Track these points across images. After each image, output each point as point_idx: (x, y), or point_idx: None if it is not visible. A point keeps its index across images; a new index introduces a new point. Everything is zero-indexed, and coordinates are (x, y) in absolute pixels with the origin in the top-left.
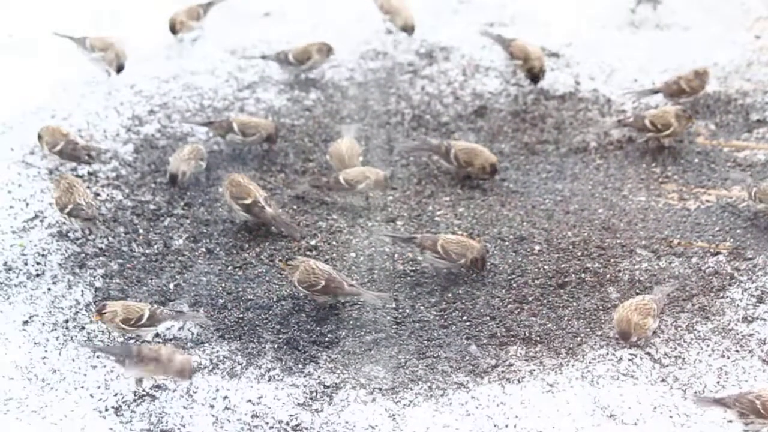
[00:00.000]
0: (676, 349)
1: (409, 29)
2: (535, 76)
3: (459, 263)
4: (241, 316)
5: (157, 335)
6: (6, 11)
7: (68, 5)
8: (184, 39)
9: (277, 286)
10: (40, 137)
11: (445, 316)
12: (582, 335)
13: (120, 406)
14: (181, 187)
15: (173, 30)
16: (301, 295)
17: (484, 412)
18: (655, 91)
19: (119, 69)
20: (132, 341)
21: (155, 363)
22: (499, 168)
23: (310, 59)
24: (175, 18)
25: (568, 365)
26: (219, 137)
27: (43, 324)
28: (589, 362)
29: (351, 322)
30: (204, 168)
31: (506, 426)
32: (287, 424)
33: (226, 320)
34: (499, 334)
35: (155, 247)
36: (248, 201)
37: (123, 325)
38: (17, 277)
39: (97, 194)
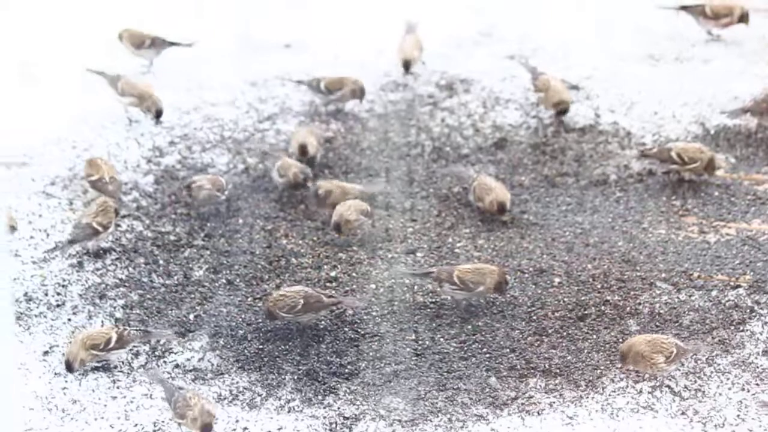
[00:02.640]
0: (696, 382)
1: (403, 65)
2: (562, 111)
3: (478, 291)
4: (260, 347)
5: (177, 366)
6: (26, 41)
7: (86, 35)
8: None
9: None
10: None
11: (465, 348)
12: (602, 368)
13: None
14: (201, 218)
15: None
16: (286, 321)
17: None
18: (746, 110)
19: (158, 115)
20: (177, 388)
21: (181, 418)
22: (507, 208)
23: (340, 90)
24: (122, 33)
25: (587, 398)
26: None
27: (64, 354)
28: (609, 395)
29: (371, 354)
30: (224, 199)
31: None
32: None
33: (245, 351)
34: (518, 367)
35: (175, 278)
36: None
37: (93, 351)
38: (38, 307)
39: (117, 225)
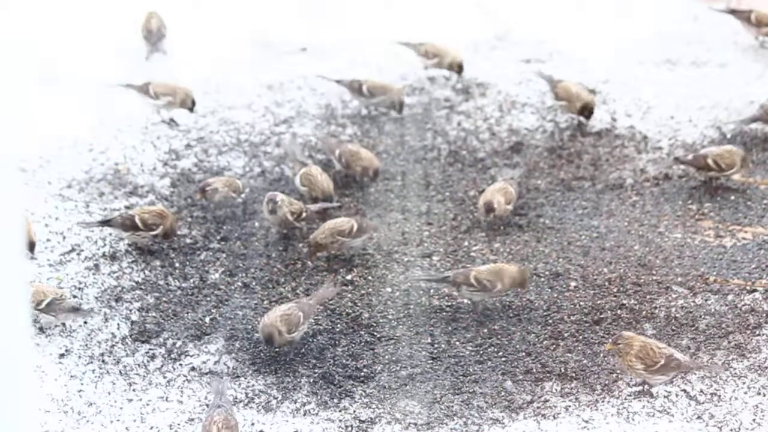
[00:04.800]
0: (712, 386)
1: (458, 68)
2: (590, 113)
3: (496, 290)
4: (276, 350)
5: (192, 369)
6: (43, 45)
7: (104, 39)
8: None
9: (312, 321)
10: None
11: (481, 352)
12: (618, 372)
13: None
14: (217, 221)
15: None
16: (286, 342)
17: None
18: (754, 119)
19: (193, 105)
20: (221, 405)
21: None
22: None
23: (383, 95)
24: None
25: (603, 401)
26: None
27: (80, 357)
28: (625, 399)
29: (387, 357)
30: (240, 201)
31: None
32: None
33: (261, 354)
34: (534, 370)
35: (191, 281)
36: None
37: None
38: None
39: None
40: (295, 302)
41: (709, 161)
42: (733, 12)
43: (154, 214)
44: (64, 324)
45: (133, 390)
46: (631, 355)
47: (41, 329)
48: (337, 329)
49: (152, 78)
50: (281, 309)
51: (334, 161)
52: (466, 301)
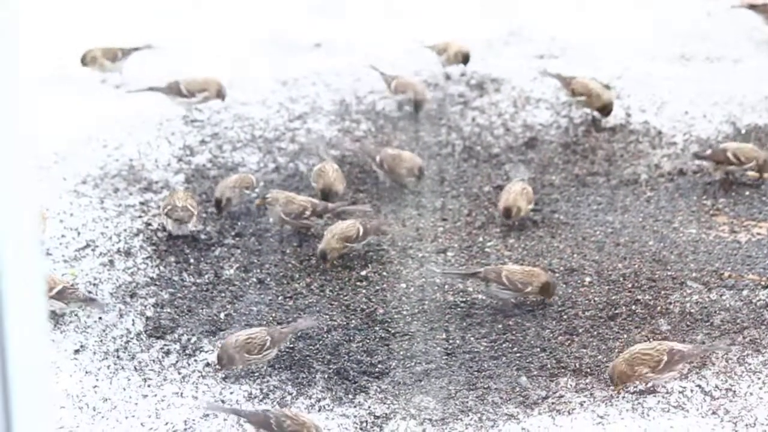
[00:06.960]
0: (726, 381)
1: (464, 59)
2: (608, 112)
3: (525, 291)
4: (291, 346)
5: (207, 365)
6: (57, 42)
7: (114, 37)
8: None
9: (327, 317)
10: None
11: (496, 348)
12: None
13: None
14: (232, 217)
15: (83, 63)
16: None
17: None
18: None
19: (225, 95)
20: (268, 410)
21: None
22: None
23: (404, 93)
24: (89, 53)
25: (618, 397)
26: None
27: (94, 353)
28: (640, 394)
29: (401, 353)
30: (254, 197)
31: None
32: None
33: (276, 350)
34: (549, 366)
35: (206, 276)
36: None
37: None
38: (69, 305)
39: (148, 224)
40: (266, 328)
41: (729, 155)
42: (752, 7)
43: (190, 196)
44: (79, 319)
45: (148, 386)
46: (632, 363)
47: (56, 325)
48: (352, 325)
49: (179, 77)
50: (246, 332)
51: (375, 167)
52: (481, 296)
